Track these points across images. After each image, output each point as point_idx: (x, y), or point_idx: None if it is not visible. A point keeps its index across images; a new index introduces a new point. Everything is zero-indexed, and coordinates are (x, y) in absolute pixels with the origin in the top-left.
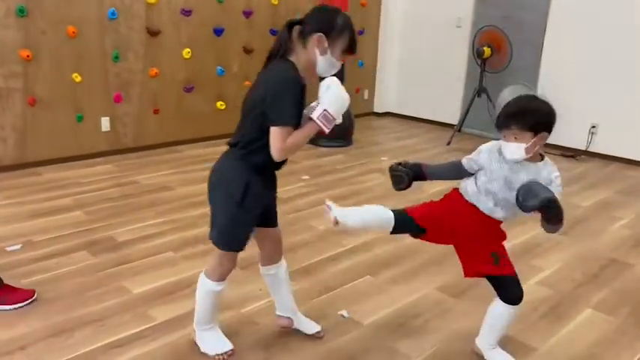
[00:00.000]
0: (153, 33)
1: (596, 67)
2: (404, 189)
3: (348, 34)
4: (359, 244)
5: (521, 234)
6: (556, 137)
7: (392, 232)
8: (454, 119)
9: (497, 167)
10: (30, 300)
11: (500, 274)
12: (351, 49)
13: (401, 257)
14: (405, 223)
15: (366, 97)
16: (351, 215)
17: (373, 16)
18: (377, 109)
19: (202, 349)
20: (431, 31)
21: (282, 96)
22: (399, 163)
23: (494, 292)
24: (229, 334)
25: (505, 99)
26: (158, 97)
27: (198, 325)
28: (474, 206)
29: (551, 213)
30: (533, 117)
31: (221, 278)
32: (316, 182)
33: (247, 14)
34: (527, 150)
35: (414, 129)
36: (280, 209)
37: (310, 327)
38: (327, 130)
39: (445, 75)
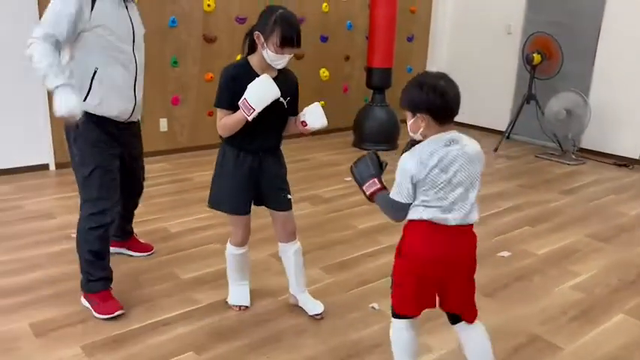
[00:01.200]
0: (209, 40)
1: None
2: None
3: (279, 30)
4: (395, 242)
5: (561, 240)
6: (609, 146)
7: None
8: (502, 126)
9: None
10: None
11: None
12: (283, 43)
13: None
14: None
15: None
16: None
17: (422, 22)
18: None
19: (227, 300)
20: (480, 37)
21: (219, 85)
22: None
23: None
24: (269, 318)
25: (555, 106)
26: (212, 101)
27: (229, 281)
28: None
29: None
30: (404, 96)
31: (236, 243)
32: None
33: (299, 21)
34: (409, 128)
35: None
36: (321, 208)
37: (312, 308)
38: (247, 117)
39: (494, 81)
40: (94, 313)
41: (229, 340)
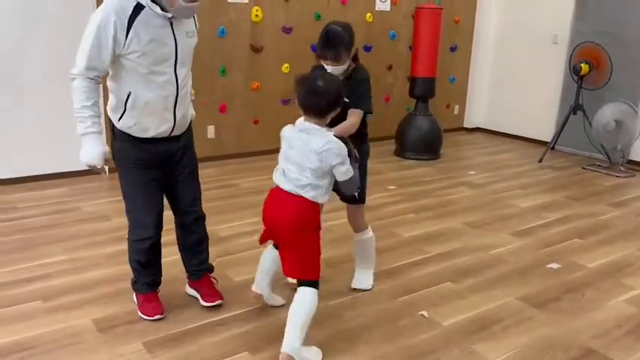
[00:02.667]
0: (256, 49)
1: None
2: None
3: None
4: (442, 252)
5: (612, 253)
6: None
7: None
8: (547, 137)
9: None
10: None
11: None
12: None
13: (483, 267)
14: None
15: (456, 112)
16: None
17: (466, 32)
18: (467, 124)
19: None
20: (525, 47)
21: (369, 89)
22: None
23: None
24: (322, 321)
25: (603, 117)
26: (258, 109)
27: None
28: None
29: None
30: None
31: None
32: (401, 192)
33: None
34: None
35: (504, 145)
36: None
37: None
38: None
39: (539, 91)
40: (138, 311)
41: (281, 343)
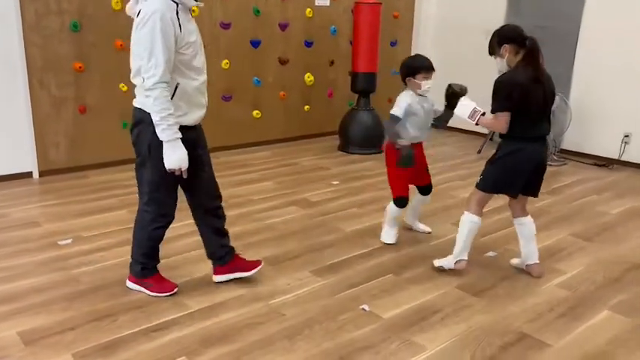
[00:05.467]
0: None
1: (629, 76)
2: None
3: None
4: (384, 245)
5: (546, 239)
6: (589, 146)
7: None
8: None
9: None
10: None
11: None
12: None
13: (425, 257)
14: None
15: None
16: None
17: (406, 27)
18: None
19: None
20: (462, 41)
21: None
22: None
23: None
24: (260, 322)
25: None
26: (258, 102)
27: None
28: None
29: None
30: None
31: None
32: (345, 187)
33: (283, 27)
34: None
35: (446, 138)
36: (309, 212)
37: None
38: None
39: (476, 84)
40: (150, 292)
41: (221, 345)
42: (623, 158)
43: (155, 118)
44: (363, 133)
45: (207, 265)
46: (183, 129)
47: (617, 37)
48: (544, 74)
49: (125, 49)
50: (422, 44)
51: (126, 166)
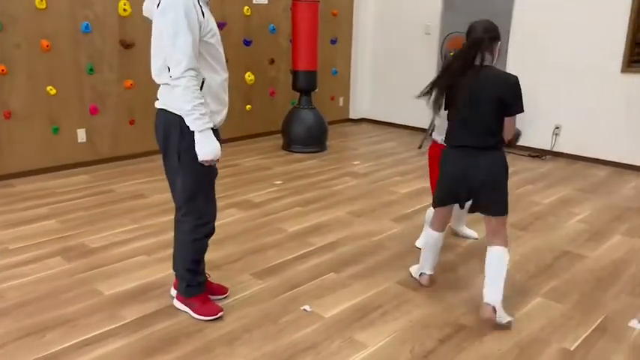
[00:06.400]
0: (127, 45)
1: (559, 71)
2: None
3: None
4: (326, 243)
5: (482, 231)
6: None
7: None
8: (426, 123)
9: None
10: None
11: None
12: None
13: (365, 254)
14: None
15: (341, 103)
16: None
17: (345, 25)
18: (352, 115)
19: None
20: (401, 38)
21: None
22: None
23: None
24: (199, 329)
25: None
26: (134, 108)
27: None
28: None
29: None
30: None
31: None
32: (288, 187)
33: (221, 26)
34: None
35: (388, 134)
36: (251, 213)
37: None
38: None
39: (416, 80)
40: (194, 315)
41: (159, 355)
42: (554, 149)
43: (186, 107)
44: (305, 132)
45: (143, 273)
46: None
47: (546, 34)
48: None
49: (52, 50)
50: (362, 42)
51: (58, 173)
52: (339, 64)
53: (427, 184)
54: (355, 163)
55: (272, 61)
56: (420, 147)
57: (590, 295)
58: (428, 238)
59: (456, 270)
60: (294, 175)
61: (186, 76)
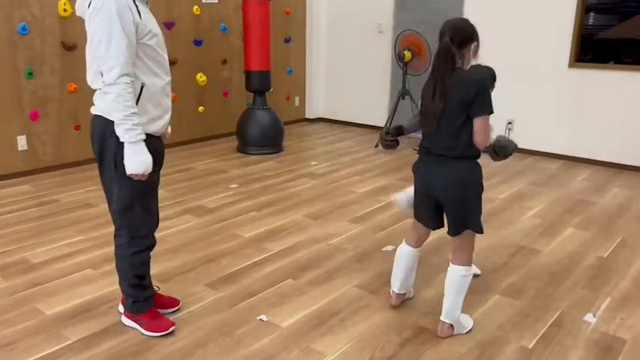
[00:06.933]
0: (68, 47)
1: (509, 66)
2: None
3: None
4: (283, 248)
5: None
6: None
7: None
8: (381, 122)
9: None
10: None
11: None
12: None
13: (323, 258)
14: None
15: (297, 103)
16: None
17: (299, 23)
18: (308, 115)
19: None
20: (355, 36)
21: (488, 90)
22: (387, 132)
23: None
24: (148, 347)
25: None
26: (79, 113)
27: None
28: None
29: None
30: None
31: (472, 261)
32: (243, 190)
33: (169, 25)
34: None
35: (344, 133)
36: (206, 219)
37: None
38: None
39: (370, 79)
40: (144, 331)
41: None
42: None
43: (117, 117)
44: (261, 133)
45: (90, 288)
46: (149, 138)
47: (497, 31)
48: None
49: None
50: (316, 40)
51: (3, 181)
52: (293, 63)
53: (385, 181)
54: (312, 163)
55: (224, 62)
56: (376, 145)
57: (545, 290)
58: (398, 252)
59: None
60: (250, 178)
61: (119, 83)
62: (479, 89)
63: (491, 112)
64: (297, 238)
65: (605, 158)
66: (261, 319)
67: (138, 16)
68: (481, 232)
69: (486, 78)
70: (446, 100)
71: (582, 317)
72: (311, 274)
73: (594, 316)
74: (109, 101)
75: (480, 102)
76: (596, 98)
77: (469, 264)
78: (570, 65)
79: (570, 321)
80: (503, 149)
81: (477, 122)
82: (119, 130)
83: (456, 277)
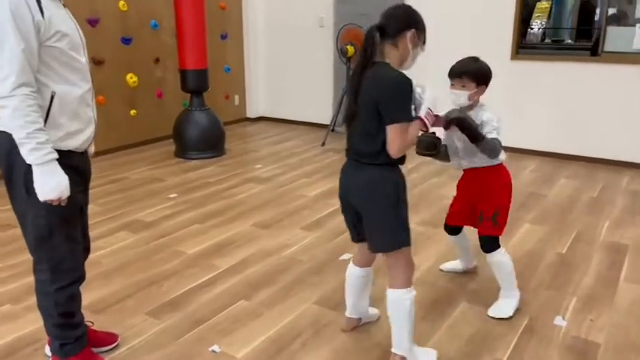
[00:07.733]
0: None
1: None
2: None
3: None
4: (232, 264)
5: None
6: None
7: None
8: (327, 119)
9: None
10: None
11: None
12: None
13: (278, 272)
14: None
15: (237, 102)
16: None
17: (235, 19)
18: (249, 114)
19: None
20: (294, 31)
21: (407, 94)
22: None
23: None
24: None
25: None
26: None
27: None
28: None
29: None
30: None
31: (410, 283)
32: (184, 200)
33: (93, 22)
34: (469, 96)
35: (289, 132)
36: (143, 235)
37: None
38: (429, 128)
39: (313, 75)
40: None
41: None
42: None
43: (18, 136)
44: (200, 136)
45: (9, 327)
46: (67, 155)
47: (440, 23)
48: None
49: None
50: (254, 36)
51: None
52: (231, 60)
53: (335, 183)
54: (257, 166)
55: (157, 60)
56: (323, 144)
57: None
58: (347, 272)
59: (374, 282)
60: (191, 186)
61: (16, 95)
62: (393, 93)
63: (410, 119)
64: (247, 252)
65: (550, 149)
66: (213, 351)
67: (39, 15)
68: (398, 248)
69: (408, 81)
70: (356, 99)
71: (552, 321)
72: (265, 292)
73: (564, 318)
74: (6, 117)
75: (393, 106)
76: (538, 90)
77: (406, 286)
78: (512, 57)
79: (540, 326)
80: (421, 143)
81: (391, 130)
82: (23, 151)
83: (392, 303)
